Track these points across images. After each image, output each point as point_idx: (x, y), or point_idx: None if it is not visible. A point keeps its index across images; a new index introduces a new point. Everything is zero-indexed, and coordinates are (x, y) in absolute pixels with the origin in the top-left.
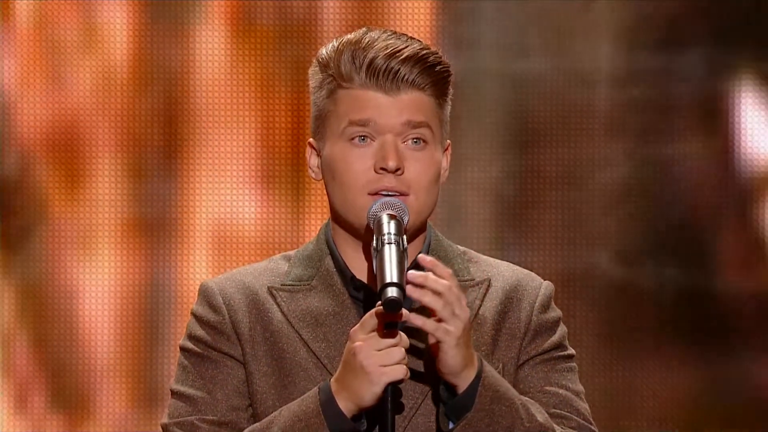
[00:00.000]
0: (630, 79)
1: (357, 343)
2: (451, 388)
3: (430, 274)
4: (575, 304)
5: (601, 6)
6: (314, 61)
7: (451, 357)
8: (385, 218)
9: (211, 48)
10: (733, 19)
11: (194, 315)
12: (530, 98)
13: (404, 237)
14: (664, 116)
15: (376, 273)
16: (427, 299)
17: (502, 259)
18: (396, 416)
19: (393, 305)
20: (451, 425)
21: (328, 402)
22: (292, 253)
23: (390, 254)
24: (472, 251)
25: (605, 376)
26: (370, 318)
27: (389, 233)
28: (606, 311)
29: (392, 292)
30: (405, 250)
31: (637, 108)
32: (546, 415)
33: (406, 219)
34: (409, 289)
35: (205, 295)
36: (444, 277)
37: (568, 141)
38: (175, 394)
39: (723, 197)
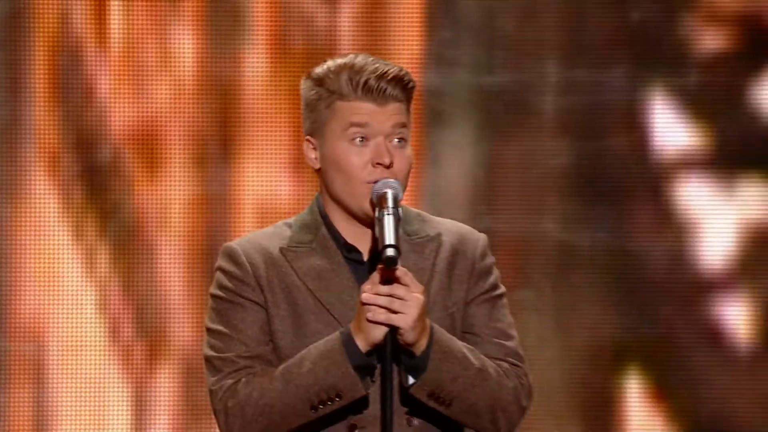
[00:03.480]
0: (571, 89)
1: (365, 295)
2: (410, 352)
3: (376, 288)
4: (529, 261)
5: (550, 33)
6: (307, 78)
7: (408, 334)
8: (386, 193)
9: (256, 66)
10: (649, 45)
11: (222, 270)
12: (495, 104)
13: (399, 209)
14: (597, 118)
15: (378, 236)
16: (380, 300)
17: (475, 225)
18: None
19: (391, 262)
20: (411, 380)
21: (348, 342)
22: (291, 220)
23: (389, 222)
24: (425, 213)
25: (552, 315)
26: (376, 275)
27: (389, 205)
28: (553, 266)
29: (390, 251)
30: (400, 219)
31: (576, 111)
32: (482, 358)
33: (400, 195)
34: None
35: (230, 254)
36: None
37: (524, 137)
38: (212, 331)
39: (641, 179)
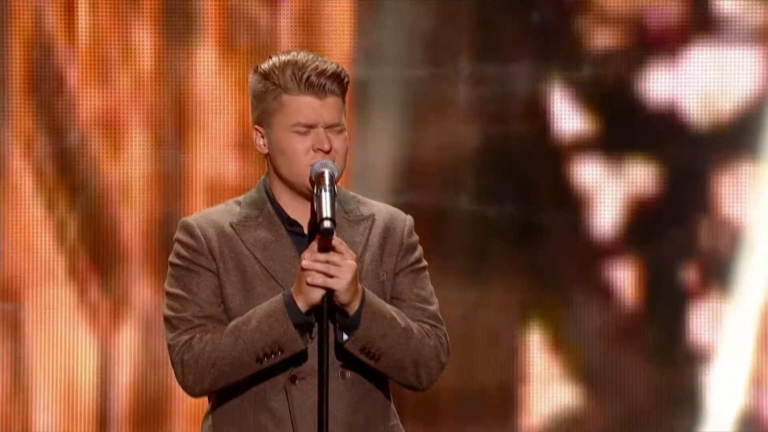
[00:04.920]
0: (481, 81)
1: (305, 261)
2: (344, 312)
3: (315, 255)
4: (446, 232)
5: (463, 33)
6: (255, 72)
7: (342, 296)
8: (323, 173)
9: (206, 61)
10: (548, 42)
11: (179, 241)
12: (417, 94)
13: (335, 186)
14: (504, 106)
15: (316, 211)
16: (317, 266)
17: (397, 199)
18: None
19: (327, 232)
20: (345, 337)
21: (290, 302)
22: (240, 198)
23: (326, 198)
24: (359, 195)
25: (466, 278)
26: (315, 244)
27: (326, 183)
28: (466, 234)
29: (327, 223)
30: (336, 195)
31: (486, 101)
32: (407, 320)
33: (336, 174)
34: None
35: (187, 228)
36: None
37: (441, 122)
38: (170, 295)
39: (543, 159)
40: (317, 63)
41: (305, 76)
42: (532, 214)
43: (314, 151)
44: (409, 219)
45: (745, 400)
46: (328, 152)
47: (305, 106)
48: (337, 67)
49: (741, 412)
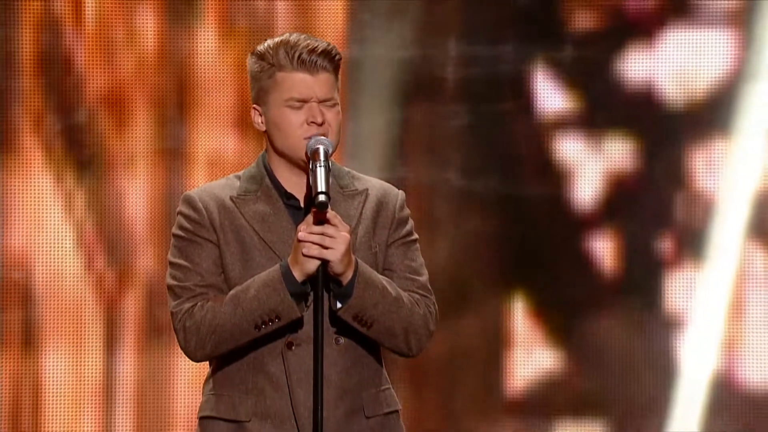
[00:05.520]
0: (469, 62)
1: (301, 234)
2: (338, 281)
3: (311, 228)
4: (434, 204)
5: (451, 15)
6: (252, 54)
7: (336, 266)
8: (318, 149)
9: (207, 42)
10: (532, 25)
11: (182, 214)
12: (406, 74)
13: (330, 161)
14: (491, 86)
15: (311, 185)
16: (313, 238)
17: (389, 175)
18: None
19: (322, 206)
20: (338, 305)
21: (286, 272)
22: (240, 173)
23: (321, 173)
24: (354, 171)
25: (453, 249)
26: (310, 217)
27: (321, 159)
28: (454, 208)
29: (322, 197)
30: (330, 170)
31: (474, 81)
32: (398, 290)
33: (331, 149)
34: (301, 236)
35: (189, 201)
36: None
37: (430, 101)
38: (173, 264)
39: (527, 134)
40: (308, 42)
41: (297, 54)
42: (517, 188)
43: (308, 124)
44: (401, 194)
45: (717, 364)
46: (321, 125)
47: (299, 81)
48: (328, 45)
49: (713, 376)
